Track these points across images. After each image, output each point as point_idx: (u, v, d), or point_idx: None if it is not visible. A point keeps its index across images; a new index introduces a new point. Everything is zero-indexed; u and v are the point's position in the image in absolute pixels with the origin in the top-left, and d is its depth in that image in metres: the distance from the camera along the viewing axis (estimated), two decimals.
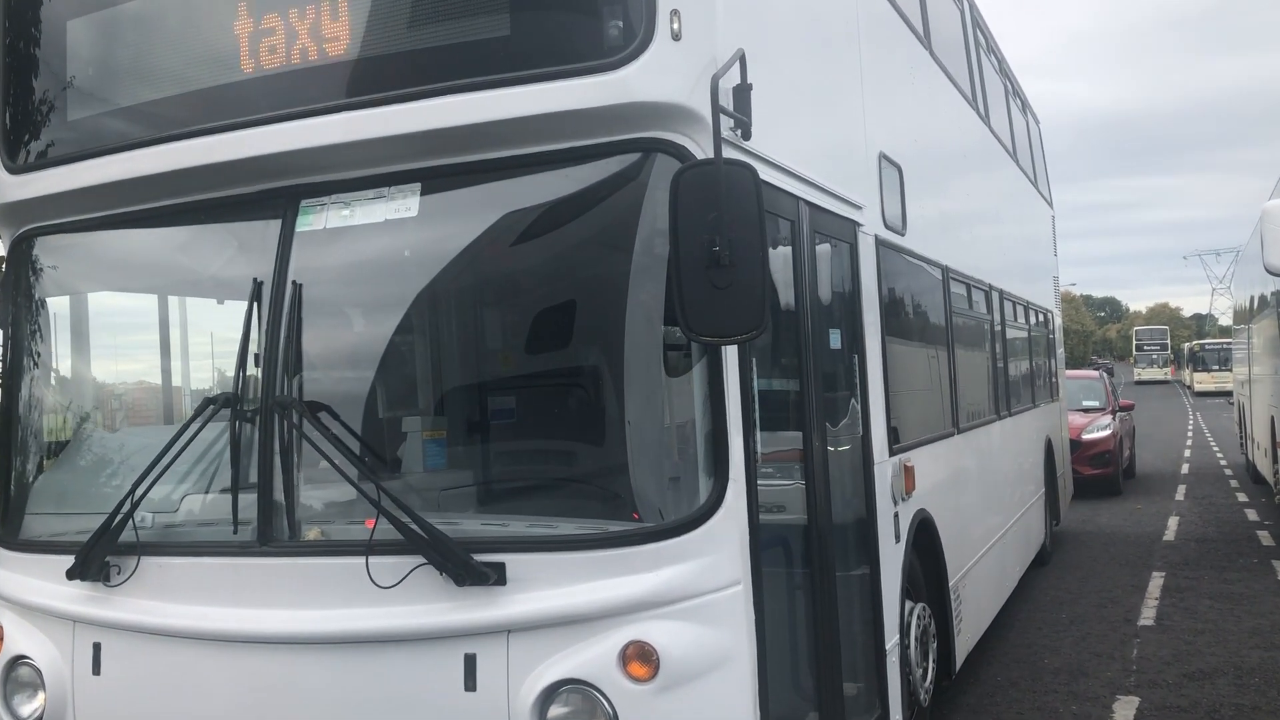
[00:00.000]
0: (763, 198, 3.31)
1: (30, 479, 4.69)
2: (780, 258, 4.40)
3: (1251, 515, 15.03)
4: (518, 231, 3.98)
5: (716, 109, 3.39)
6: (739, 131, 3.77)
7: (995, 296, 9.27)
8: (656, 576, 3.48)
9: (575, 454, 4.32)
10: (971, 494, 7.71)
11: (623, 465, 3.79)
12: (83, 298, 4.75)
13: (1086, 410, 17.99)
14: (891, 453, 5.55)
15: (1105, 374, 21.66)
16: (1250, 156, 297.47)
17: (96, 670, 4.14)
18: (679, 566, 3.50)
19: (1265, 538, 13.14)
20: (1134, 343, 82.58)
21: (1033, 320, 11.75)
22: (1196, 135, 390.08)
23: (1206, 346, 59.06)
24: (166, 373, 4.78)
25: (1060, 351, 14.36)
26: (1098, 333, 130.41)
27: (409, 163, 3.89)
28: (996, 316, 9.31)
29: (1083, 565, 11.72)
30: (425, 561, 3.58)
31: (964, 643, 6.93)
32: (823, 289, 4.77)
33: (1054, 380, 13.26)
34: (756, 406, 3.87)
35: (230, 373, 4.02)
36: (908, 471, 5.71)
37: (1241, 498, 16.91)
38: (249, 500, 3.94)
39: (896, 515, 5.53)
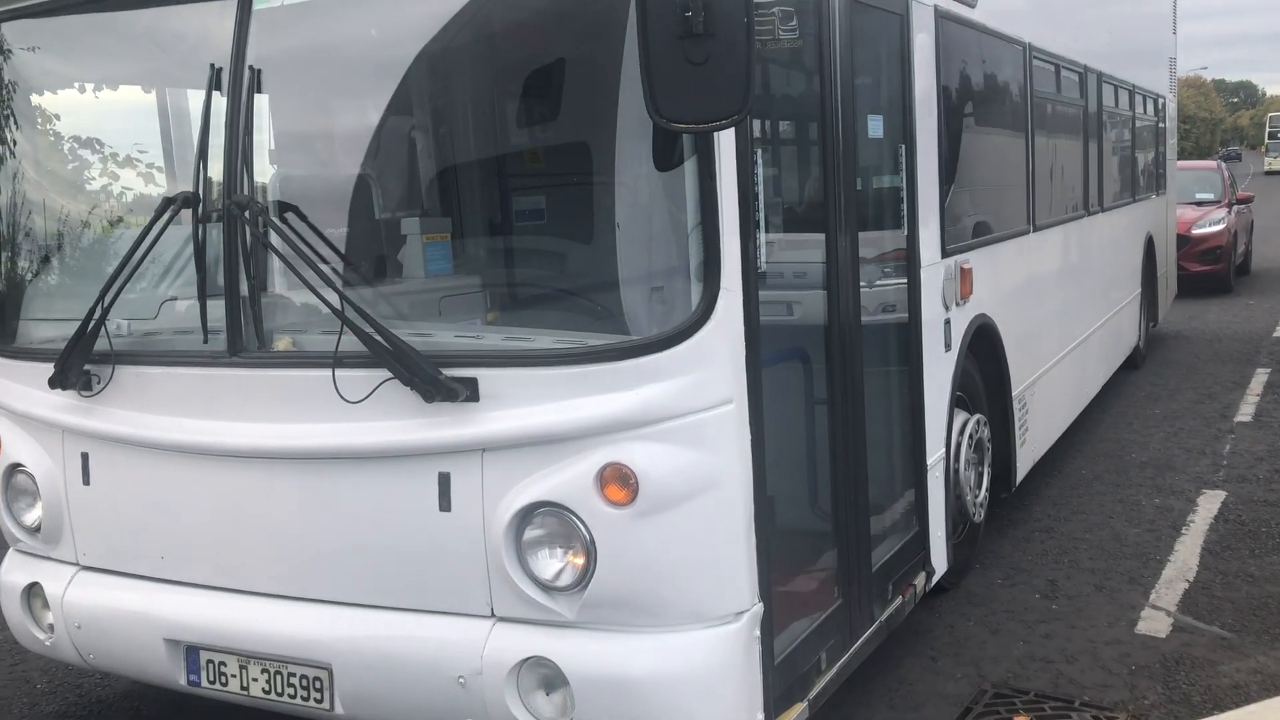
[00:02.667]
0: None
1: (23, 283, 4.52)
2: (803, 29, 3.85)
3: None
4: (489, 5, 3.49)
5: None
6: None
7: (1092, 79, 8.39)
8: (637, 395, 3.14)
9: (558, 259, 3.95)
10: (1047, 297, 7.16)
11: (605, 273, 3.41)
12: (54, 92, 4.43)
13: (1200, 204, 17.04)
14: (945, 254, 5.05)
15: (1223, 164, 20.23)
16: None
17: (86, 480, 4.04)
18: (662, 384, 3.15)
19: None
20: (1266, 130, 77.58)
21: (1139, 106, 10.73)
22: None
23: None
24: (146, 170, 4.49)
25: (1172, 141, 13.24)
26: (1228, 120, 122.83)
27: None
28: (1092, 102, 8.44)
29: (1184, 362, 11.42)
30: (392, 376, 3.30)
31: (1028, 454, 6.54)
32: (860, 67, 4.19)
33: (1161, 172, 12.25)
34: (760, 204, 3.41)
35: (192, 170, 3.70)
36: (964, 274, 5.22)
37: None
38: (220, 308, 3.69)
39: (948, 322, 5.08)
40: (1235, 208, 17.43)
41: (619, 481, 3.16)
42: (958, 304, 5.17)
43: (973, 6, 5.49)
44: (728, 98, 2.76)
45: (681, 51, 2.72)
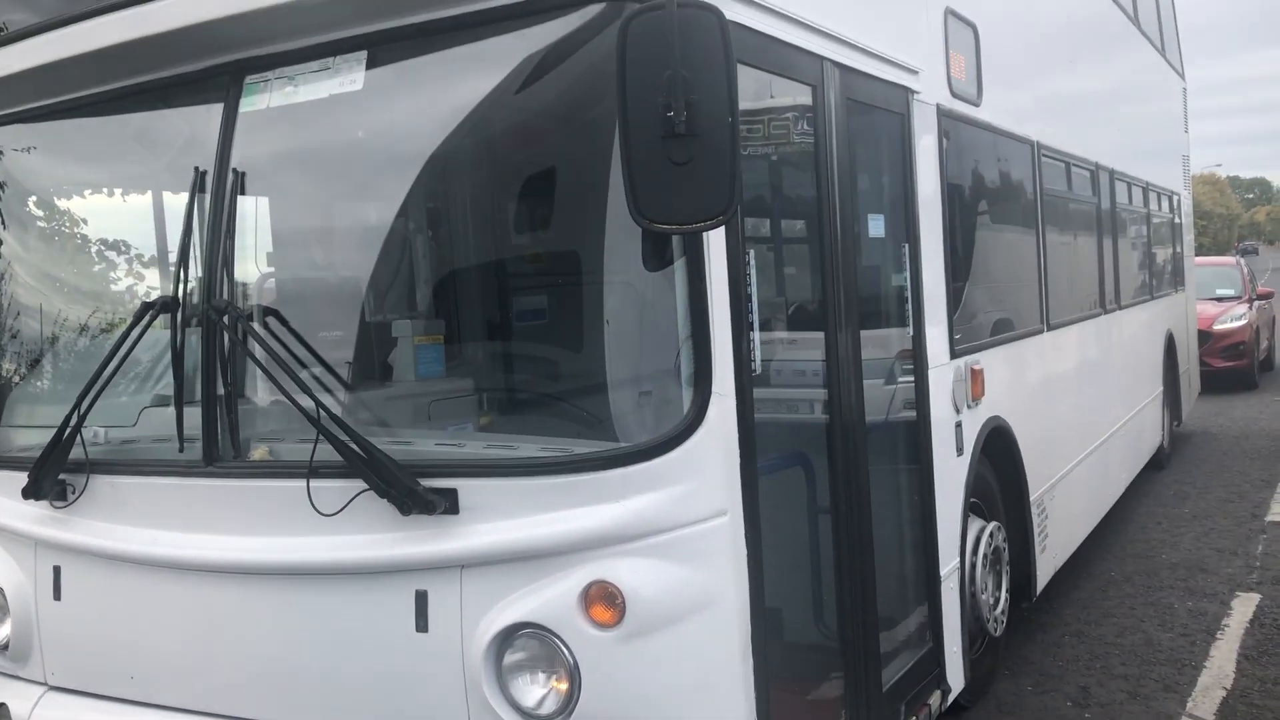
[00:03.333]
0: (732, 50, 2.66)
1: (3, 388, 4.41)
2: (801, 129, 3.76)
3: None
4: (474, 107, 3.42)
5: None
6: None
7: (1104, 177, 8.31)
8: (623, 507, 2.97)
9: (547, 363, 3.80)
10: (1065, 397, 6.96)
11: (594, 377, 3.28)
12: (41, 195, 4.39)
13: (1220, 299, 16.99)
14: (954, 354, 4.90)
15: (1242, 260, 20.21)
16: None
17: (58, 595, 3.88)
18: (650, 495, 2.97)
19: None
20: None
21: (1154, 203, 10.63)
22: None
23: None
24: (129, 273, 4.41)
25: (1189, 238, 13.07)
26: (1244, 216, 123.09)
27: (352, 27, 3.35)
28: (1105, 199, 8.34)
29: (1210, 459, 11.21)
30: (367, 487, 3.14)
31: (1049, 562, 6.28)
32: (861, 166, 4.10)
33: (1179, 268, 12.07)
34: (754, 304, 3.28)
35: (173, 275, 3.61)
36: (975, 375, 5.05)
37: None
38: (196, 416, 3.55)
39: (959, 425, 4.90)
40: (1256, 303, 17.38)
41: (605, 601, 2.97)
42: (969, 406, 5.00)
43: (977, 105, 5.42)
44: (712, 198, 2.65)
45: (664, 152, 2.62)
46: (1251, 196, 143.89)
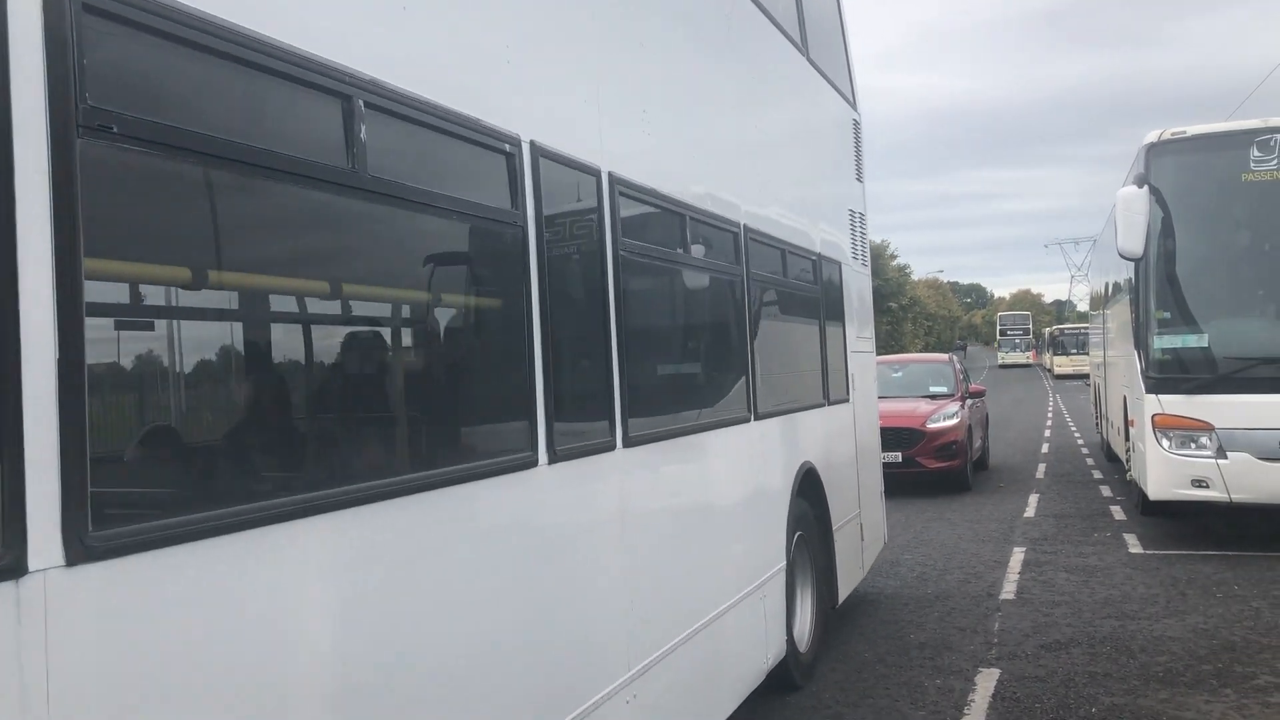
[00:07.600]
0: None
1: None
2: None
3: (1106, 491, 15.23)
4: None
5: None
6: None
7: (626, 201, 4.49)
8: None
9: None
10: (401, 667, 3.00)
11: None
12: None
13: (934, 398, 16.41)
14: None
15: (955, 356, 19.67)
16: (1103, 150, 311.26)
17: None
18: None
19: (1118, 512, 13.33)
20: (998, 328, 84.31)
21: (784, 269, 6.95)
22: (1052, 129, 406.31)
23: (1065, 331, 59.44)
24: None
25: (859, 329, 9.01)
26: (964, 318, 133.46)
27: None
28: (628, 242, 4.49)
29: (947, 543, 11.72)
30: None
31: None
32: None
33: (836, 369, 8.08)
34: None
35: None
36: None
37: (1097, 475, 17.15)
38: None
39: None
40: (969, 401, 16.56)
41: None
42: None
43: None
44: None
45: None
46: (970, 301, 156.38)
